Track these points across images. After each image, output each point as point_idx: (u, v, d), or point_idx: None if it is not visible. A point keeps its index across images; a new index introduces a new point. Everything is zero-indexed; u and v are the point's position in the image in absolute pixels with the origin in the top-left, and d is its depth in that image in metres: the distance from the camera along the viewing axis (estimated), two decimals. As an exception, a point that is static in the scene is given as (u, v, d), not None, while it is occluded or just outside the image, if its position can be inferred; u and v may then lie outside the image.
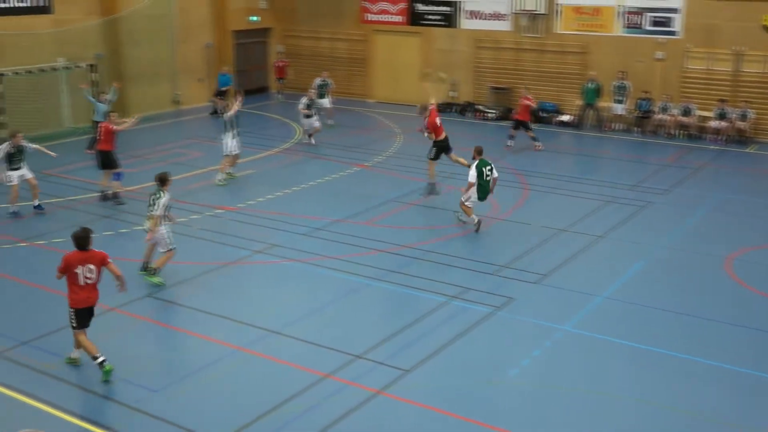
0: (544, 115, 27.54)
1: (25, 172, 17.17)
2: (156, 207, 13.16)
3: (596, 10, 26.90)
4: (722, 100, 24.71)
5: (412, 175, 20.05)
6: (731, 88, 25.09)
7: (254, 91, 32.29)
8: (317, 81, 26.69)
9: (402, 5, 30.56)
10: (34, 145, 17.56)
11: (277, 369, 10.72)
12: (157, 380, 10.33)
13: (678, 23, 25.66)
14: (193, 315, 12.40)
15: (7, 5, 23.82)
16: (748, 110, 24.38)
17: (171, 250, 13.47)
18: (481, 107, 28.73)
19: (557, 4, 27.47)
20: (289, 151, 23.03)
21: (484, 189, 16.08)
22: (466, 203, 16.15)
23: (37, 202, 17.31)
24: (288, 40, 33.37)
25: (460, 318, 12.22)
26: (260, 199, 18.28)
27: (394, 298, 13.14)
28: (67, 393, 10.07)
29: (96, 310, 10.64)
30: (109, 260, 10.44)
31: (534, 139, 23.42)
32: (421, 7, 30.17)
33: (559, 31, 27.66)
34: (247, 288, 13.56)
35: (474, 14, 29.17)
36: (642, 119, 25.91)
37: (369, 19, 31.39)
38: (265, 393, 10.04)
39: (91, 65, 25.44)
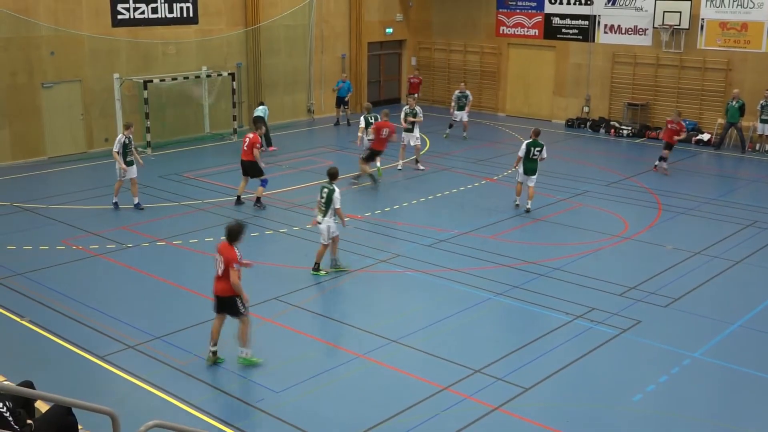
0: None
1: (134, 169, 17.99)
2: (334, 200, 14.00)
3: (743, 26, 25.75)
4: None
5: (540, 191, 19.74)
6: None
7: (386, 102, 32.67)
8: (456, 93, 26.46)
9: (538, 19, 30.23)
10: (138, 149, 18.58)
11: (397, 378, 10.78)
12: (278, 382, 10.60)
13: (833, 40, 24.21)
14: (316, 320, 12.65)
15: (157, 16, 25.11)
16: None
17: (324, 244, 14.19)
18: (615, 123, 28.01)
19: (701, 19, 26.47)
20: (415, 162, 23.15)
21: (530, 165, 18.12)
22: (518, 179, 18.59)
23: (137, 200, 18.17)
24: (421, 52, 33.64)
25: (583, 338, 11.94)
26: (387, 209, 18.48)
27: (517, 314, 12.98)
28: (192, 387, 10.48)
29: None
30: (234, 266, 10.63)
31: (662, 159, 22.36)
32: (557, 20, 29.75)
33: (702, 47, 26.64)
34: (369, 296, 13.73)
35: (612, 28, 28.51)
36: (788, 140, 24.57)
37: (503, 32, 31.21)
38: (383, 401, 10.13)
39: (232, 74, 26.45)
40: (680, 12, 26.29)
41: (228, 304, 10.77)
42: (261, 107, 24.50)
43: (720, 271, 14.72)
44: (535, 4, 30.16)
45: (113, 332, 11.99)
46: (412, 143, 22.30)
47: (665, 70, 27.45)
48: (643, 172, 22.25)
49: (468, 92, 26.48)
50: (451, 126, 26.71)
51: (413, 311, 13.04)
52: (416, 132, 22.32)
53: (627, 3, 27.95)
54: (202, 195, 19.46)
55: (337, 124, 28.89)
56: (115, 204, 18.18)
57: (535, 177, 18.17)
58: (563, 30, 29.65)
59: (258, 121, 21.83)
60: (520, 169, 18.21)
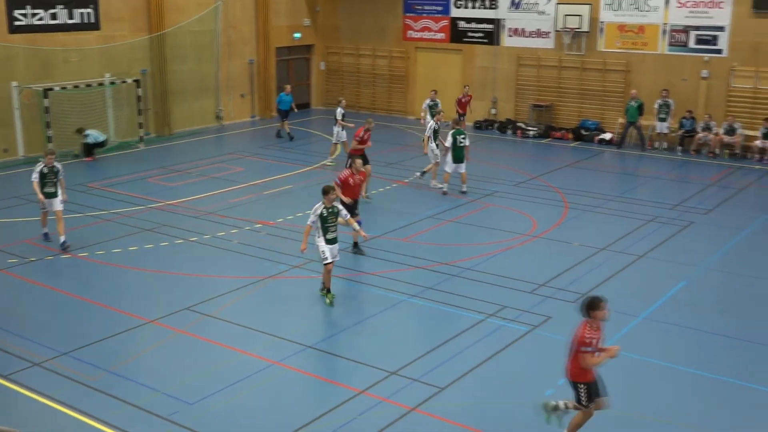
0: (586, 133, 27.35)
1: (57, 201, 15.87)
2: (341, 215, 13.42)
3: (640, 28, 26.69)
4: (768, 120, 24.31)
5: (450, 192, 20.01)
6: (778, 107, 24.69)
7: (297, 107, 32.54)
8: (427, 102, 25.36)
9: (444, 23, 30.64)
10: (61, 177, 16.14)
11: (313, 384, 10.75)
12: (192, 393, 10.42)
13: (724, 41, 25.34)
14: (229, 329, 12.49)
15: (57, 22, 24.37)
16: (796, 130, 23.95)
17: (326, 264, 13.26)
18: (521, 124, 28.62)
19: (601, 22, 27.32)
20: (328, 167, 23.14)
21: (458, 154, 19.88)
22: (446, 168, 20.05)
23: (63, 238, 15.67)
24: (330, 57, 33.67)
25: (496, 336, 12.16)
26: (299, 214, 18.39)
27: (430, 315, 13.10)
28: (103, 403, 10.20)
29: (134, 322, 10.75)
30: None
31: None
32: (463, 24, 30.21)
33: (602, 49, 27.49)
34: (284, 303, 13.63)
35: (516, 31, 29.13)
36: (685, 138, 25.60)
37: (411, 36, 31.51)
38: (300, 408, 10.08)
39: (137, 81, 25.90)
40: (581, 15, 27.07)
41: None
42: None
43: (624, 266, 15.20)
44: (442, 8, 30.57)
45: (17, 350, 11.56)
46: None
47: (568, 71, 28.22)
48: (550, 172, 22.79)
49: (438, 101, 25.42)
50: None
51: (328, 316, 13.02)
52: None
53: (530, 7, 28.61)
54: (108, 205, 18.98)
55: (279, 136, 27.36)
56: (45, 235, 16.23)
57: (464, 164, 19.94)
58: (469, 34, 30.14)
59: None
60: (449, 158, 19.89)
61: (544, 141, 27.61)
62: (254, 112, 31.32)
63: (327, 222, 13.10)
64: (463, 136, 19.88)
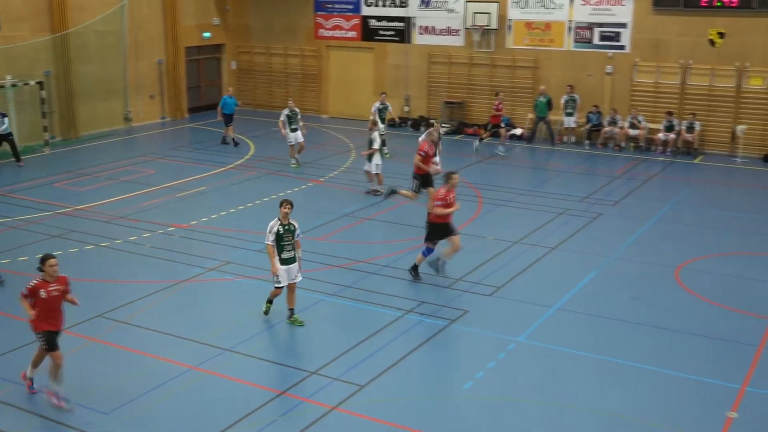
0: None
1: None
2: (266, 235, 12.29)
3: (547, 25, 27.30)
4: (670, 113, 25.22)
5: (366, 190, 20.07)
6: (678, 101, 25.63)
7: (207, 108, 32.12)
8: (376, 105, 24.03)
9: (355, 21, 30.67)
10: None
11: (232, 387, 10.62)
12: (107, 403, 10.16)
13: (626, 38, 26.15)
14: (144, 335, 12.23)
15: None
16: (695, 122, 24.91)
17: (277, 287, 12.40)
18: (434, 122, 28.82)
19: (509, 20, 27.82)
20: (242, 167, 22.92)
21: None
22: (365, 168, 20.04)
23: None
24: (241, 56, 33.30)
25: (414, 332, 12.25)
26: (213, 216, 18.15)
27: (349, 314, 13.12)
28: (13, 417, 9.85)
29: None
30: None
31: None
32: (374, 23, 30.31)
33: (510, 46, 28.00)
34: (199, 306, 13.44)
35: (427, 29, 29.39)
36: (592, 132, 26.33)
37: (322, 35, 31.43)
38: (219, 412, 9.94)
39: (40, 83, 25.07)
40: (489, 13, 27.50)
41: None
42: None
43: (538, 258, 15.53)
44: (352, 6, 30.60)
45: None
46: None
47: (478, 69, 28.64)
48: (463, 168, 23.08)
49: (389, 104, 24.66)
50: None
51: (246, 318, 12.88)
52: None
53: (439, 5, 28.91)
54: (12, 212, 18.32)
55: (225, 142, 25.91)
56: None
57: (372, 164, 19.98)
58: (380, 32, 30.26)
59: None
60: (377, 159, 19.98)
61: (457, 137, 27.95)
62: (164, 113, 30.70)
63: (282, 240, 12.11)
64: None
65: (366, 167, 20.20)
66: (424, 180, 17.33)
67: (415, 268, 14.37)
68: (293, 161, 22.87)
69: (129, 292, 13.71)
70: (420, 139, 18.46)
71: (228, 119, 25.65)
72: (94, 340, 11.95)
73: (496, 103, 25.21)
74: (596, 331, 12.45)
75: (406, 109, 30.07)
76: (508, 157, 23.54)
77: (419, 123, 29.20)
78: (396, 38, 29.97)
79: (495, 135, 22.74)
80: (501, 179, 21.92)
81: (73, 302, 10.18)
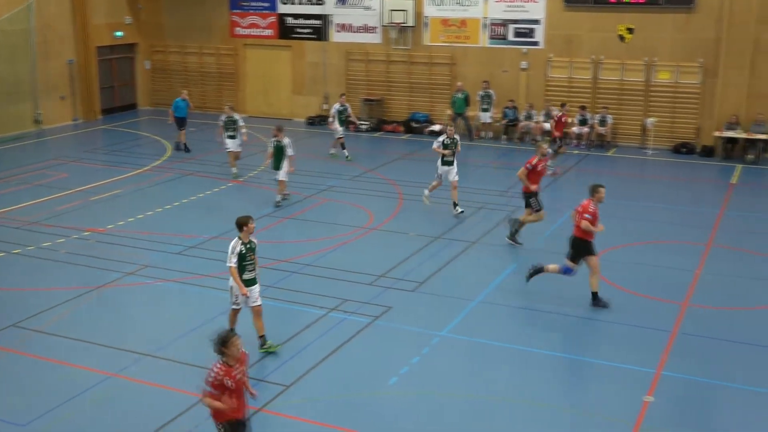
0: (416, 125, 28.03)
1: None
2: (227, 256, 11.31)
3: (462, 22, 27.62)
4: (583, 107, 25.84)
5: (287, 189, 19.96)
6: (591, 95, 26.28)
7: (121, 108, 31.42)
8: (336, 107, 24.01)
9: (272, 19, 30.44)
10: None
11: (155, 393, 10.43)
12: (23, 414, 9.85)
13: (540, 34, 26.67)
14: (61, 343, 11.89)
15: None
16: (607, 115, 25.60)
17: (234, 308, 11.61)
18: (353, 119, 28.88)
19: (425, 17, 28.04)
20: (159, 169, 22.50)
21: (276, 161, 18.67)
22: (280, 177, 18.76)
23: None
24: (155, 55, 32.67)
25: (338, 330, 12.25)
26: (130, 219, 17.77)
27: (273, 314, 12.99)
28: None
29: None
30: None
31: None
32: (291, 20, 30.14)
33: (427, 43, 28.23)
34: (118, 312, 13.14)
35: (344, 27, 29.39)
36: (509, 127, 26.77)
37: (239, 33, 31.10)
38: (141, 419, 9.75)
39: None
40: (406, 11, 27.67)
41: None
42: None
43: (459, 253, 15.72)
44: (268, 4, 30.36)
45: None
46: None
47: (396, 66, 28.79)
48: (384, 164, 23.19)
49: (348, 105, 24.53)
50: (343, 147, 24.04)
51: (167, 322, 12.67)
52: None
53: (356, 2, 28.93)
54: None
55: (178, 149, 24.78)
56: None
57: (281, 171, 18.68)
58: (298, 30, 30.11)
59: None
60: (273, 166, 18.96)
61: (376, 134, 28.05)
62: (76, 115, 29.88)
63: (245, 260, 11.29)
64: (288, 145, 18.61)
65: (282, 177, 18.79)
66: (536, 197, 16.01)
67: (536, 271, 13.54)
68: (234, 170, 21.57)
69: (44, 300, 13.31)
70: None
71: (180, 123, 24.80)
72: (8, 350, 11.56)
73: (560, 114, 23.06)
74: (517, 322, 12.68)
75: (324, 107, 29.99)
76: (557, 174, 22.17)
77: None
78: (313, 36, 29.88)
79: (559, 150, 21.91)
80: (421, 175, 22.04)
81: (251, 393, 8.18)
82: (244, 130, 21.85)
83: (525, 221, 16.12)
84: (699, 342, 11.95)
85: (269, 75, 30.98)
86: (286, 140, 18.71)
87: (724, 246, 16.14)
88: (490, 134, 27.15)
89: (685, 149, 25.08)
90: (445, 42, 27.98)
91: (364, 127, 28.49)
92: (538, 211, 15.94)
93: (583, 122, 25.70)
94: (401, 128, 28.29)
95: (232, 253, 11.23)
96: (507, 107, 26.74)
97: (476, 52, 27.61)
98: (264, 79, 31.13)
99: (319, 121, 29.61)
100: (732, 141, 24.41)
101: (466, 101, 26.71)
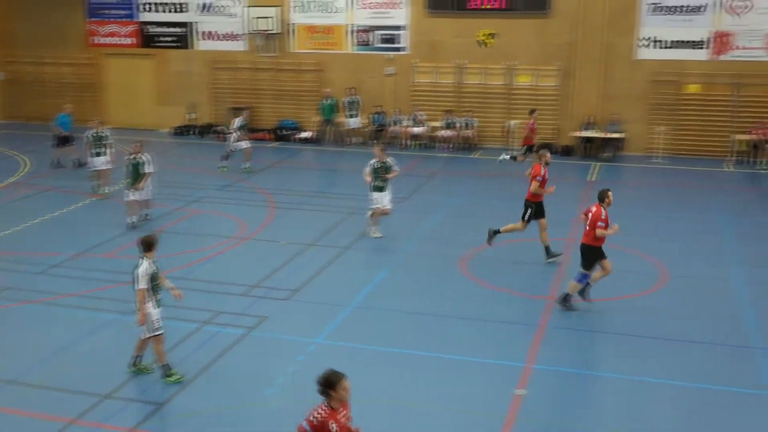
0: (285, 133, 27.93)
1: None
2: (136, 279, 10.66)
3: (328, 29, 27.74)
4: (448, 111, 26.46)
5: (153, 201, 19.45)
6: (456, 99, 26.94)
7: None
8: (238, 121, 23.34)
9: (132, 27, 29.64)
10: None
11: (16, 421, 9.92)
12: None
13: (405, 40, 27.13)
14: None
15: None
16: (472, 119, 26.31)
17: (158, 335, 10.85)
18: (222, 128, 28.49)
19: (290, 24, 27.99)
20: (16, 186, 21.47)
21: (132, 179, 17.45)
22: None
23: None
24: (8, 66, 31.19)
25: (213, 343, 12.04)
26: (-13, 239, 16.88)
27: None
28: None
29: None
30: None
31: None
32: (153, 28, 29.43)
33: (294, 50, 28.20)
34: (-24, 337, 12.45)
35: (209, 35, 28.96)
36: (377, 132, 27.08)
37: (97, 42, 30.12)
38: (4, 449, 9.28)
39: None
40: (271, 18, 27.54)
41: None
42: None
43: (332, 259, 15.76)
44: (128, 12, 29.55)
45: None
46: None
47: (263, 73, 28.62)
48: (254, 173, 22.95)
49: (245, 121, 23.91)
50: (227, 157, 23.34)
51: (29, 345, 12.08)
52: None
53: (220, 10, 28.57)
54: None
55: (79, 164, 23.01)
56: None
57: (137, 191, 17.55)
58: (160, 38, 29.46)
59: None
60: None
61: (244, 144, 27.70)
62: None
63: (155, 280, 10.80)
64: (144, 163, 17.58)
65: (134, 196, 17.62)
66: (538, 208, 15.55)
67: (567, 298, 13.24)
68: (104, 189, 20.42)
69: None
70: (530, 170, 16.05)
71: (65, 140, 23.31)
72: None
73: (531, 122, 23.22)
74: (391, 325, 12.82)
75: (191, 116, 29.45)
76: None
77: (206, 130, 28.74)
78: (177, 44, 29.30)
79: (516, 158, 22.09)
80: (292, 182, 22.04)
81: None
82: (112, 149, 20.64)
83: (505, 229, 15.71)
84: (566, 334, 12.45)
85: (132, 85, 30.15)
86: (144, 157, 17.69)
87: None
88: (360, 140, 27.38)
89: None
90: (312, 49, 28.03)
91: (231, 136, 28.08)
92: (525, 222, 15.53)
93: (449, 126, 26.31)
94: (270, 136, 28.12)
95: (144, 275, 10.63)
96: (374, 113, 27.05)
97: (343, 58, 27.80)
98: (126, 90, 30.26)
99: (185, 130, 29.04)
100: (589, 140, 25.59)
101: (334, 108, 26.86)
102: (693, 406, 10.38)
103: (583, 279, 13.17)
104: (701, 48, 24.80)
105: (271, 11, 27.52)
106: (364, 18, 27.38)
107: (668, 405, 10.35)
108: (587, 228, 13.02)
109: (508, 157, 22.87)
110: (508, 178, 23.12)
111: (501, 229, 15.73)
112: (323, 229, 17.58)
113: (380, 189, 16.93)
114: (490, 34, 26.35)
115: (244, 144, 23.24)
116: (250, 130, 28.21)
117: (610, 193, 13.11)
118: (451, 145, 26.34)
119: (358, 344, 12.04)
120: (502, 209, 19.38)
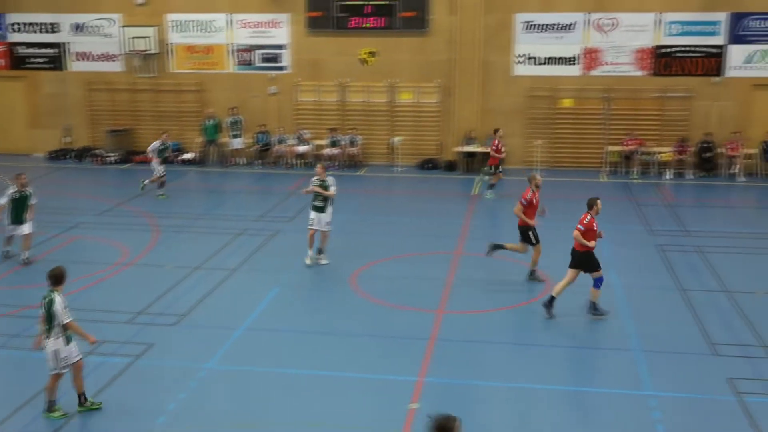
0: (167, 154, 27.31)
1: None
2: (55, 313, 10.16)
3: (208, 49, 27.40)
4: (333, 129, 26.56)
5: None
6: (340, 117, 27.08)
7: None
8: (156, 144, 22.31)
9: (1, 48, 28.42)
10: None
11: None
12: None
13: (286, 59, 27.09)
14: None
15: None
16: (356, 136, 26.49)
17: (63, 373, 10.34)
18: (99, 151, 27.65)
19: (169, 44, 27.49)
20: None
21: (17, 213, 16.38)
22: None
23: None
24: None
25: (98, 373, 11.58)
26: None
27: (21, 365, 12.08)
28: None
29: None
30: None
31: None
32: (23, 49, 28.31)
33: (174, 71, 27.70)
34: None
35: (84, 56, 28.10)
36: (262, 152, 26.88)
37: (-37, 64, 28.73)
38: None
39: None
40: (148, 37, 26.96)
41: None
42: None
43: (220, 281, 15.50)
44: (-4, 33, 28.36)
45: None
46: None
47: (142, 94, 27.97)
48: (136, 197, 22.36)
49: (169, 143, 23.05)
50: (162, 184, 22.27)
51: None
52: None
53: (94, 30, 27.78)
54: None
55: None
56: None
57: (26, 225, 16.52)
58: (32, 59, 28.37)
59: None
60: (7, 220, 16.49)
61: (125, 166, 27.02)
62: None
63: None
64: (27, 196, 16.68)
65: (22, 230, 16.55)
66: (534, 231, 15.21)
67: (594, 306, 13.51)
68: None
69: None
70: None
71: None
72: None
73: (495, 141, 22.76)
74: (283, 345, 12.70)
75: (67, 139, 28.44)
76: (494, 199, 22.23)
77: (84, 154, 27.83)
78: (50, 65, 28.27)
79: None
80: (176, 206, 21.56)
81: None
82: None
83: (511, 248, 15.55)
84: (456, 346, 12.64)
85: (2, 108, 28.84)
86: (29, 189, 16.81)
87: (471, 253, 17.22)
88: (244, 160, 27.10)
89: (429, 165, 26.55)
90: (192, 69, 27.62)
91: (111, 159, 27.31)
92: (535, 244, 15.19)
93: (333, 144, 26.39)
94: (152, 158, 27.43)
95: (65, 308, 10.19)
96: (258, 132, 26.86)
97: (224, 78, 27.51)
98: (-4, 113, 28.95)
99: (61, 155, 28.01)
100: (471, 155, 26.18)
101: (217, 128, 26.53)
102: (579, 410, 10.73)
103: (600, 281, 13.42)
104: (573, 64, 25.85)
105: (148, 31, 26.96)
106: (244, 37, 27.19)
107: (555, 410, 10.66)
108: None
109: (487, 178, 23.22)
110: (394, 196, 23.40)
111: (505, 246, 15.54)
112: (210, 252, 17.27)
113: (319, 209, 16.38)
114: (370, 53, 26.64)
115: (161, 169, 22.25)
116: (131, 152, 27.57)
117: (599, 201, 13.41)
118: (336, 163, 26.42)
119: (250, 366, 11.87)
120: (389, 225, 19.61)
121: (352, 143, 26.48)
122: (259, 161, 26.90)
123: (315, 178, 16.57)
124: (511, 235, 15.86)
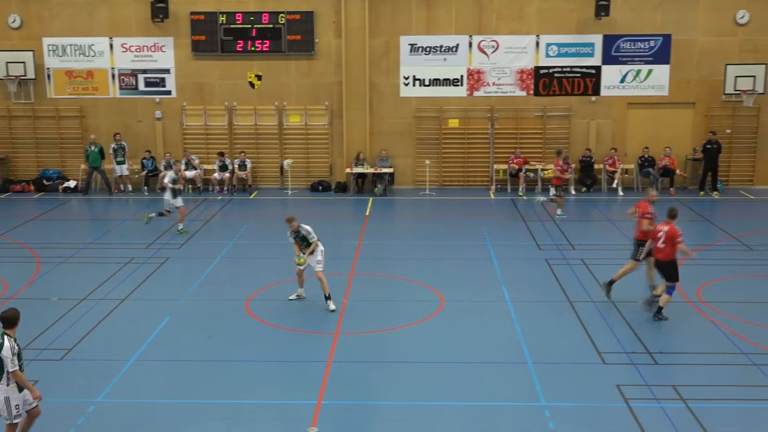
0: (48, 183, 26.38)
1: None
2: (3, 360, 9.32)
3: (89, 73, 26.64)
4: (221, 153, 26.23)
5: None
6: (228, 141, 26.78)
7: None
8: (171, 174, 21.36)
9: None
10: None
11: None
12: None
13: (171, 83, 26.62)
14: None
15: None
16: (246, 160, 26.25)
17: (16, 423, 9.56)
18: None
19: (47, 69, 26.58)
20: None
21: None
22: None
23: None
24: None
25: (-22, 415, 10.99)
26: None
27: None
28: None
29: None
30: None
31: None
32: None
33: (52, 96, 26.78)
34: None
35: (-47, 82, 26.80)
36: (149, 177, 26.26)
37: None
38: None
39: None
40: (24, 62, 25.98)
41: None
42: None
43: (108, 312, 14.98)
44: None
45: None
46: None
47: (20, 121, 26.93)
48: (14, 228, 21.43)
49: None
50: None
51: None
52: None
53: (-35, 55, 26.55)
54: None
55: None
56: None
57: None
58: None
59: None
60: None
61: (3, 196, 25.87)
62: None
63: (21, 359, 9.60)
64: None
65: None
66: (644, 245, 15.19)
67: (659, 311, 14.34)
68: None
69: None
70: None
71: None
72: None
73: (558, 161, 23.16)
74: (176, 375, 12.38)
75: (-62, 169, 27.03)
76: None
77: (-44, 184, 26.52)
78: None
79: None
80: (58, 235, 20.79)
81: None
82: None
83: (622, 273, 15.50)
84: (353, 367, 12.62)
85: None
86: None
87: (364, 274, 17.28)
88: (130, 187, 26.40)
89: (321, 187, 26.55)
90: (72, 94, 26.78)
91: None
92: (638, 259, 15.42)
93: (223, 168, 26.06)
94: (31, 187, 26.44)
95: (14, 355, 9.36)
96: (144, 158, 26.26)
97: (107, 103, 26.79)
98: None
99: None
100: (361, 176, 26.34)
101: (101, 154, 25.78)
102: (480, 424, 10.87)
103: (672, 290, 14.32)
104: (458, 85, 26.43)
105: (24, 56, 25.97)
106: (127, 61, 26.56)
107: (456, 425, 10.78)
108: (662, 245, 14.17)
109: (544, 198, 23.37)
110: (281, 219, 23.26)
111: (615, 278, 15.47)
112: (97, 282, 16.69)
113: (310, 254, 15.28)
114: (257, 76, 26.51)
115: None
116: (8, 181, 26.43)
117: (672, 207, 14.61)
118: (226, 188, 26.07)
119: (141, 399, 11.51)
120: (281, 248, 19.43)
121: (242, 167, 26.22)
122: (146, 187, 26.26)
123: (288, 233, 15.45)
124: (403, 252, 15.93)
